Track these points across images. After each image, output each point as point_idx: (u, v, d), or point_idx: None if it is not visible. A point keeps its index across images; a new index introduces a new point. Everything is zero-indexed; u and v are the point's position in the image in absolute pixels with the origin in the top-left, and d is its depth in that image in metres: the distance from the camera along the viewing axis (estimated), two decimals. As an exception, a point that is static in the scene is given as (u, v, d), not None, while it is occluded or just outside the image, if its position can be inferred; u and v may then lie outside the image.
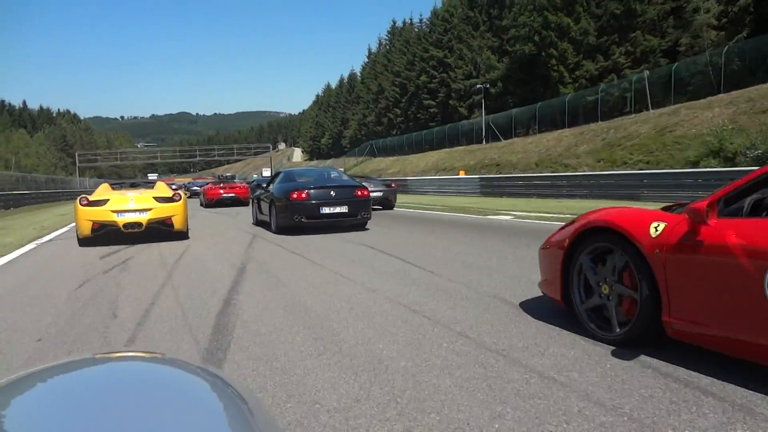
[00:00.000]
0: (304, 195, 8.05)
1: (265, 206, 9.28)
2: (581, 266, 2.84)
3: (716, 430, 1.74)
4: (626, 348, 2.52)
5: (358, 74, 73.31)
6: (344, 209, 8.19)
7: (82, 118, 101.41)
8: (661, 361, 2.37)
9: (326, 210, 8.09)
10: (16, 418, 0.53)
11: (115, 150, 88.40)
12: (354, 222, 8.53)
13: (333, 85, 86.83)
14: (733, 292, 2.13)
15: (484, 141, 34.53)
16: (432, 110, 46.23)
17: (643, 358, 2.42)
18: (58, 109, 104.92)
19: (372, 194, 10.10)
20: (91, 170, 78.34)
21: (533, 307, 3.33)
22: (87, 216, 7.42)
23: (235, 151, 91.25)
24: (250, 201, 11.69)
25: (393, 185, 14.36)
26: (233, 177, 30.68)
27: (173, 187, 9.08)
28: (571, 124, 28.33)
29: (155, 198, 7.73)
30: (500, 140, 32.69)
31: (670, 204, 3.12)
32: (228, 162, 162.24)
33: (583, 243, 2.83)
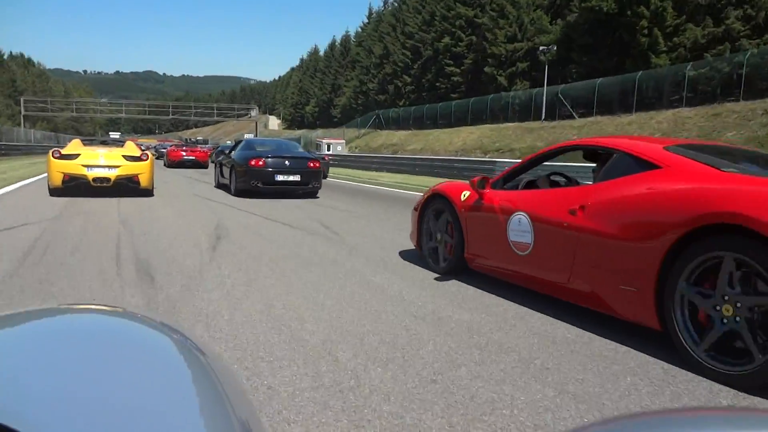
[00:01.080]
0: (261, 162, 10.82)
1: (226, 171, 12.21)
2: (428, 221, 4.91)
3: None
4: (447, 276, 4.57)
5: (353, 37, 77.03)
6: (297, 178, 10.96)
7: (36, 63, 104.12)
8: (459, 282, 4.35)
9: (281, 177, 10.83)
10: None
11: (71, 100, 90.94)
12: (306, 190, 11.34)
13: (322, 49, 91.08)
14: (493, 235, 4.10)
15: (543, 117, 32.69)
16: (455, 79, 46.74)
17: (451, 280, 4.43)
18: (11, 52, 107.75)
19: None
20: (43, 122, 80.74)
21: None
22: (59, 168, 9.68)
23: (216, 112, 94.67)
24: (214, 165, 14.73)
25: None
26: (206, 141, 34.68)
27: (142, 147, 11.29)
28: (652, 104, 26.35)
29: (124, 156, 10.07)
30: (573, 117, 30.82)
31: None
32: (196, 126, 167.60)
33: (429, 205, 4.88)
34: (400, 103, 52.82)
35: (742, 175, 2.93)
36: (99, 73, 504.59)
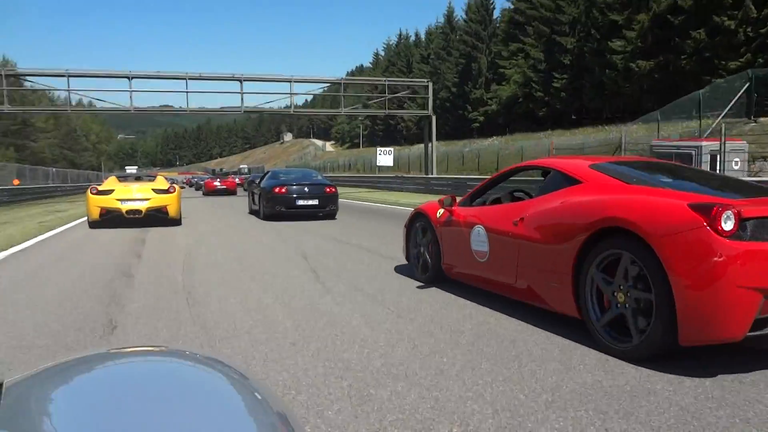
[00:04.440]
0: (284, 190, 12.46)
1: (256, 198, 14.00)
2: (415, 237, 5.67)
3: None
4: (429, 284, 5.27)
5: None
6: (315, 202, 12.61)
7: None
8: (441, 290, 5.12)
9: (301, 202, 12.39)
10: (34, 415, 0.65)
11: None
12: (324, 212, 12.81)
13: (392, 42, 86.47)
14: (460, 246, 4.81)
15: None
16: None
17: (433, 288, 5.17)
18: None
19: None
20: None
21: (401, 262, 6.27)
22: (96, 203, 11.13)
23: (242, 141, 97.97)
24: (247, 194, 16.87)
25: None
26: (236, 172, 40.88)
27: (175, 181, 12.83)
28: None
29: (154, 189, 11.48)
30: None
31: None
32: (221, 155, 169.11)
33: (414, 223, 5.67)
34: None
35: (641, 187, 3.65)
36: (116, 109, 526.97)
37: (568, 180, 4.00)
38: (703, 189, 3.55)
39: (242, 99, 28.60)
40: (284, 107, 34.20)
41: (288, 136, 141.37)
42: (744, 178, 5.80)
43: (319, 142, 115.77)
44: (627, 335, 3.17)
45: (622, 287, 3.19)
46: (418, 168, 43.21)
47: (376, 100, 38.77)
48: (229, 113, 23.41)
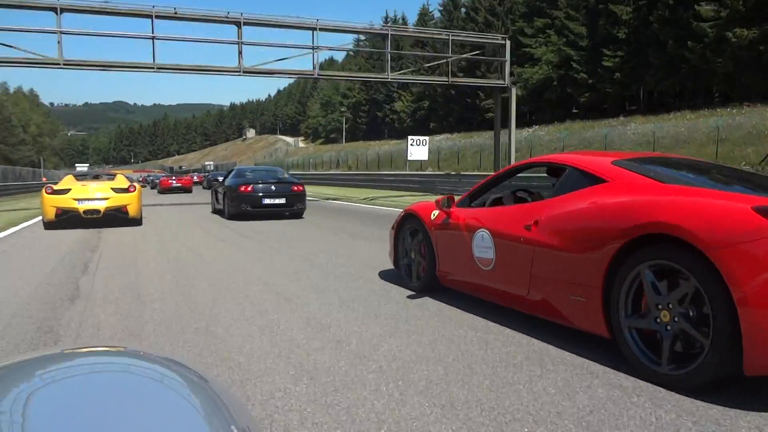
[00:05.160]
0: (250, 188, 11.95)
1: (220, 197, 13.45)
2: (403, 240, 5.14)
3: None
4: (421, 293, 4.79)
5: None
6: (282, 201, 12.12)
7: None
8: (430, 299, 4.62)
9: (268, 201, 11.93)
10: None
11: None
12: (291, 211, 12.33)
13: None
14: (460, 252, 4.31)
15: None
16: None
17: (425, 298, 4.67)
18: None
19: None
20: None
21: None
22: (52, 203, 10.44)
23: (202, 138, 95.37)
24: (210, 192, 16.06)
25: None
26: (199, 170, 38.69)
27: (131, 179, 12.22)
28: None
29: (113, 188, 10.87)
30: None
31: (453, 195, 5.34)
32: (179, 153, 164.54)
33: (404, 225, 5.14)
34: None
35: (682, 186, 3.21)
36: (67, 105, 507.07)
37: (589, 179, 3.54)
38: (754, 190, 3.14)
39: (240, 54, 17.18)
40: (299, 70, 20.67)
41: (251, 133, 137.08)
42: None
43: (289, 139, 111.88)
44: (678, 360, 2.72)
45: (670, 305, 2.74)
46: (435, 165, 37.97)
47: (435, 62, 26.26)
48: (221, 74, 17.52)
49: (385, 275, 5.71)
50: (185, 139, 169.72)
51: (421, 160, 26.99)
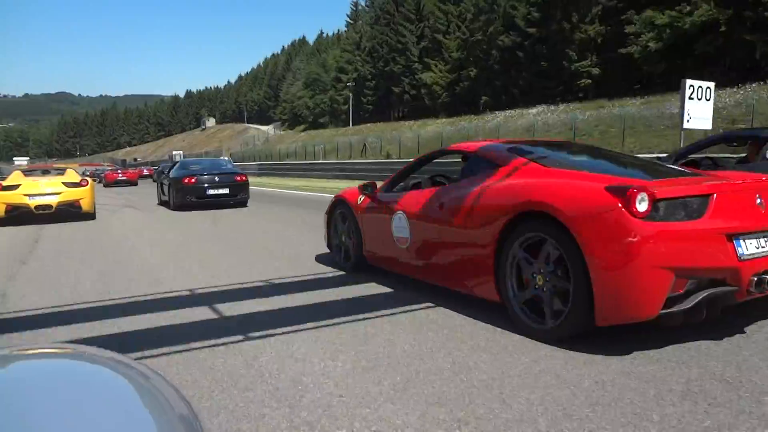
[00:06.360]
0: (194, 180, 12.31)
1: (165, 189, 13.69)
2: (335, 224, 5.55)
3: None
4: (352, 272, 5.18)
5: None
6: (226, 191, 12.50)
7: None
8: (360, 275, 5.04)
9: (212, 191, 12.31)
10: None
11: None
12: (235, 201, 12.71)
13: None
14: (382, 233, 4.72)
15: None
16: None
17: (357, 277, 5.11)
18: None
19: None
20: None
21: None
22: (0, 200, 10.29)
23: (155, 128, 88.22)
24: (156, 185, 16.19)
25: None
26: (147, 163, 37.28)
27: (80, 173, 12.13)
28: None
29: (64, 183, 10.81)
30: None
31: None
32: (130, 144, 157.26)
33: (335, 210, 5.53)
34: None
35: (560, 170, 3.69)
36: (5, 96, 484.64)
37: (487, 164, 4.01)
38: (620, 171, 3.67)
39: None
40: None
41: (210, 122, 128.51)
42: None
43: (263, 127, 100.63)
44: (545, 317, 3.22)
45: (542, 270, 3.23)
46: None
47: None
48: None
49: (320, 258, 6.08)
50: (137, 130, 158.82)
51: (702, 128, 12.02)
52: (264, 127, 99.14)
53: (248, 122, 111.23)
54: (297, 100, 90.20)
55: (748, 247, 3.00)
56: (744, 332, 3.24)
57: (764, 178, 3.41)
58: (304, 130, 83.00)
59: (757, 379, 2.57)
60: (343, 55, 75.86)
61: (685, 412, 2.24)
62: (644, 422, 2.17)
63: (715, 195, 3.02)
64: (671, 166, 4.20)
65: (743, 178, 3.39)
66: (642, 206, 2.83)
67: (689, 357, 2.87)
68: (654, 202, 2.87)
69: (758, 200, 3.13)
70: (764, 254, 3.05)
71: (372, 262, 5.10)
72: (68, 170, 11.77)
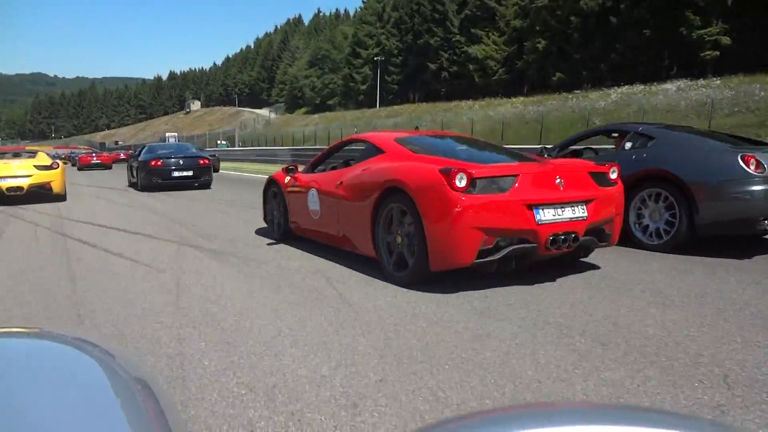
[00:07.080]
0: (160, 162, 13.32)
1: (134, 171, 14.67)
2: (269, 201, 6.49)
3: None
4: (279, 240, 6.23)
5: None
6: (190, 173, 13.49)
7: None
8: (284, 245, 6.07)
9: (176, 174, 13.28)
10: None
11: None
12: (199, 182, 13.66)
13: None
14: (300, 207, 5.70)
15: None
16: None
17: (277, 246, 6.16)
18: None
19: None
20: None
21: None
22: None
23: (137, 110, 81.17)
24: (127, 168, 16.98)
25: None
26: (127, 147, 36.85)
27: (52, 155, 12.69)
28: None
29: (36, 166, 11.40)
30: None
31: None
32: (108, 127, 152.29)
33: (269, 188, 6.49)
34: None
35: (422, 155, 4.68)
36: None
37: (376, 150, 5.03)
38: (464, 156, 4.71)
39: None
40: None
41: (195, 105, 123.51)
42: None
43: (259, 111, 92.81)
44: (404, 267, 4.27)
45: (400, 232, 4.27)
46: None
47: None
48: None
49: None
50: (116, 112, 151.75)
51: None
52: (259, 110, 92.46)
53: (239, 105, 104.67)
54: (299, 81, 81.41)
55: (546, 215, 4.03)
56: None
57: (581, 167, 4.44)
58: (307, 113, 76.19)
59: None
60: (361, 28, 64.99)
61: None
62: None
63: (519, 175, 4.05)
64: (525, 154, 5.23)
65: (557, 164, 4.43)
66: (461, 182, 3.85)
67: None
68: (472, 179, 3.89)
69: (557, 180, 4.17)
70: (559, 220, 4.07)
71: (296, 232, 6.10)
72: (39, 153, 12.38)
